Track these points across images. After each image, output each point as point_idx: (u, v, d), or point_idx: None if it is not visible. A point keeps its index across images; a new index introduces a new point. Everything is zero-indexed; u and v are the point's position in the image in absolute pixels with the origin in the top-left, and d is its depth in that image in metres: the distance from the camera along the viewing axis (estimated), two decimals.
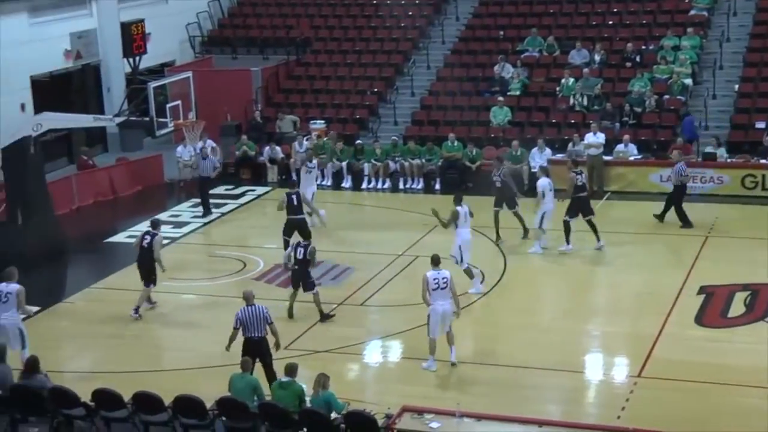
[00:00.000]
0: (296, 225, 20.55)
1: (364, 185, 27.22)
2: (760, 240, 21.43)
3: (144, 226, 23.40)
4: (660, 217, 22.85)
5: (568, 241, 21.07)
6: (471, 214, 19.24)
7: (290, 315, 17.99)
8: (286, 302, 18.18)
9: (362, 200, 26.79)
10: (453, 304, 15.86)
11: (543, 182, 21.05)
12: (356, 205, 26.49)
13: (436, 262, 16.06)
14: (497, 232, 21.78)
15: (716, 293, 18.72)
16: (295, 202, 20.58)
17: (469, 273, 19.01)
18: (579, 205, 21.15)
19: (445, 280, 15.79)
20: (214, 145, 27.53)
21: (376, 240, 22.40)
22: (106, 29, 30.14)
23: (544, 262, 20.96)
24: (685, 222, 22.62)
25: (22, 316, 15.99)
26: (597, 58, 29.69)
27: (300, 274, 18.07)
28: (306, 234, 19.99)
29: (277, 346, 15.14)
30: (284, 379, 13.41)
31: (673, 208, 22.67)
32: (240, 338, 14.85)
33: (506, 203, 21.77)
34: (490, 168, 23.31)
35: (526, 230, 21.83)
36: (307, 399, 13.32)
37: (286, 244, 20.16)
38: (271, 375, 14.60)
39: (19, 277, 15.98)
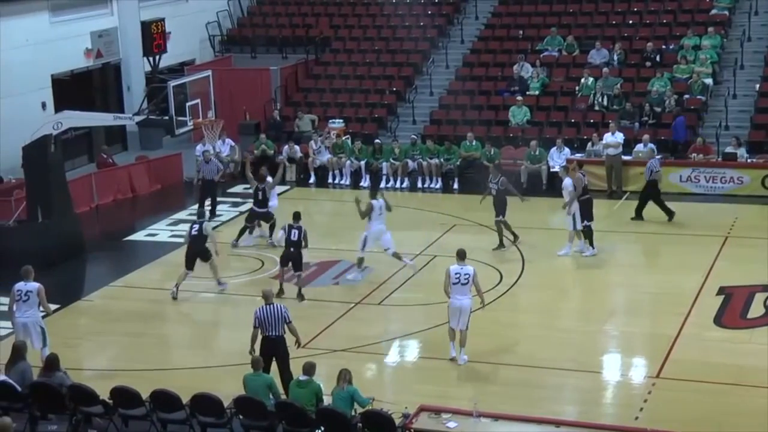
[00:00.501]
0: (259, 216, 22.03)
1: (382, 184, 27.17)
2: None
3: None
4: (637, 215, 22.97)
5: (592, 245, 20.95)
6: (389, 208, 20.03)
7: (281, 291, 18.61)
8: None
9: None
10: (472, 299, 15.87)
11: (569, 182, 20.97)
12: None
13: (461, 256, 16.04)
14: (512, 233, 21.67)
15: (736, 294, 18.62)
16: (261, 197, 21.78)
17: (359, 262, 19.80)
18: (588, 207, 21.02)
19: (467, 276, 15.76)
20: (233, 143, 27.56)
21: (394, 239, 22.35)
22: (126, 28, 30.25)
23: (563, 262, 20.88)
24: (667, 213, 22.86)
25: (42, 314, 16.06)
26: (616, 57, 29.57)
27: (293, 256, 18.69)
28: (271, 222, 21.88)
29: (298, 344, 15.16)
30: (302, 377, 13.41)
31: (655, 203, 22.88)
32: (260, 337, 14.89)
33: (497, 209, 21.31)
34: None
35: (502, 243, 21.36)
36: (326, 398, 13.34)
37: (246, 230, 22.09)
38: (287, 375, 14.59)
39: (40, 275, 16.07)
